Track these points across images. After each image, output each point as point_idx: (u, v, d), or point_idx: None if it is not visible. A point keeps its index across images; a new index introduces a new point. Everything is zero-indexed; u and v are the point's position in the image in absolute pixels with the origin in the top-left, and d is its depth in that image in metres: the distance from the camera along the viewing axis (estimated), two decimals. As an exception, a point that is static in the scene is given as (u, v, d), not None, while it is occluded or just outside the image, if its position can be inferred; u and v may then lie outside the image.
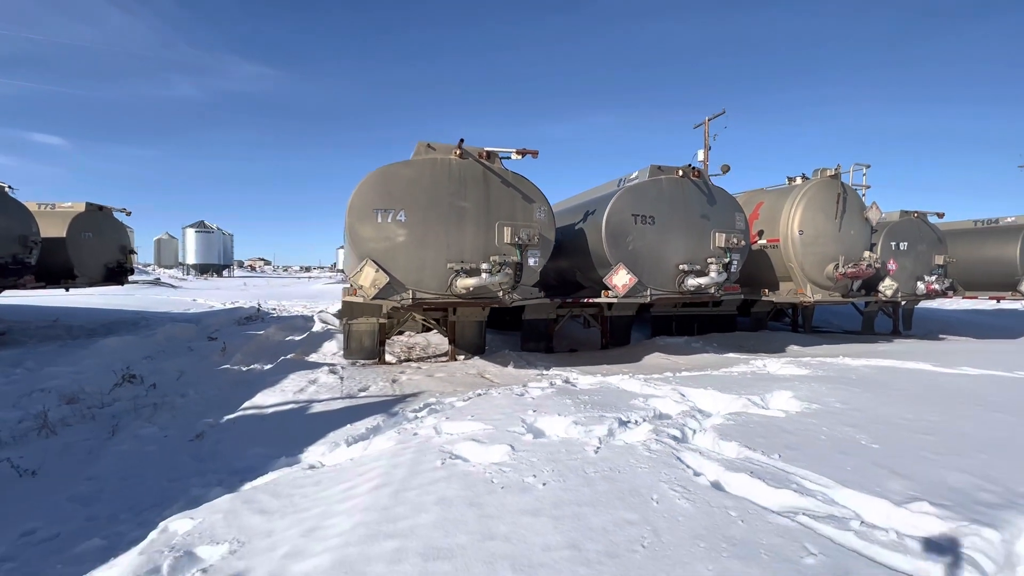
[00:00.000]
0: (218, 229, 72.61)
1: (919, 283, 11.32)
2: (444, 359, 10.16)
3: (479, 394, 5.77)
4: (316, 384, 7.05)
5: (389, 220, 6.10)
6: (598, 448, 3.51)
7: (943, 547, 2.30)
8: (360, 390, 6.95)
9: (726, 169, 7.74)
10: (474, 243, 6.43)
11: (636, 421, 4.16)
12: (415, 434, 4.21)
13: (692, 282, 7.55)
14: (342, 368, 8.15)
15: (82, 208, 11.79)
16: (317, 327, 13.09)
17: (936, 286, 11.19)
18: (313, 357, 9.87)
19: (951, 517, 2.54)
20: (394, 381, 7.51)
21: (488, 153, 6.42)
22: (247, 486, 3.82)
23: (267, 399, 6.42)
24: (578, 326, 13.45)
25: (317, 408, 5.99)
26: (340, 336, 11.52)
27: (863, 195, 11.13)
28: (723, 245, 7.75)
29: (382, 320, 9.34)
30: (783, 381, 5.77)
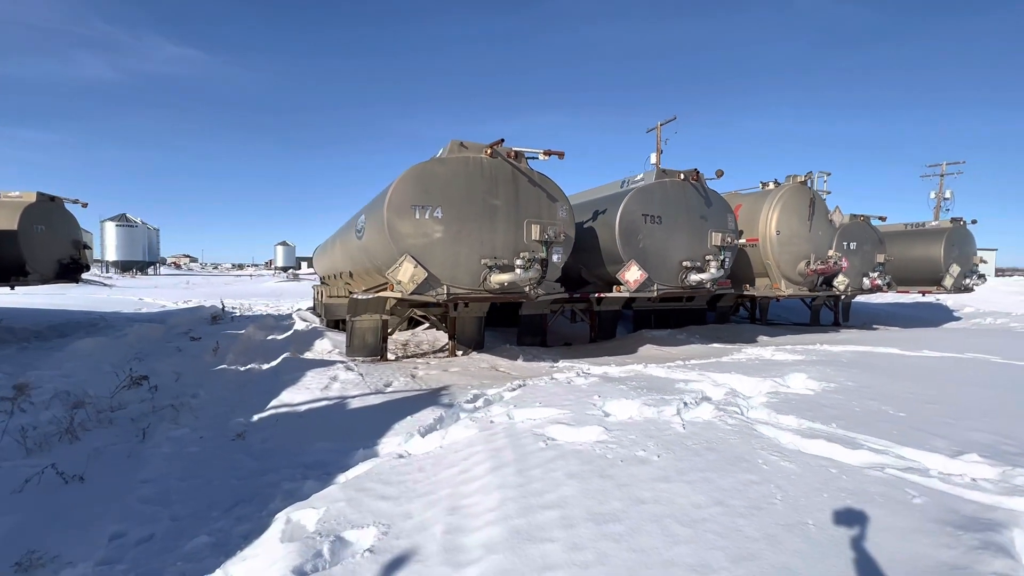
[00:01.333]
0: (142, 223, 67.12)
1: (865, 279, 12.70)
2: (443, 354, 10.25)
3: (520, 386, 6.00)
4: (339, 381, 6.98)
5: (427, 216, 6.19)
6: (684, 424, 3.88)
7: (1005, 484, 2.86)
8: (385, 385, 6.96)
9: (720, 174, 8.39)
10: (505, 240, 6.63)
11: (694, 402, 4.58)
12: (491, 422, 4.40)
13: (694, 277, 8.15)
14: (356, 365, 8.06)
15: (33, 198, 10.74)
16: (300, 325, 12.68)
17: (879, 282, 12.60)
18: (309, 355, 9.64)
19: (996, 463, 3.13)
20: (413, 376, 7.56)
21: (516, 153, 6.65)
22: (342, 478, 3.86)
23: (295, 397, 6.31)
24: (565, 321, 13.91)
25: (355, 404, 5.98)
26: (331, 334, 11.28)
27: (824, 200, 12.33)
28: (719, 243, 8.42)
29: (385, 317, 9.29)
30: (788, 366, 6.44)
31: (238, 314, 16.28)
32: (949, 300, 19.61)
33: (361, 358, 9.30)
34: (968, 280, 14.06)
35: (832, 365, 6.37)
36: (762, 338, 11.59)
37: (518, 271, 6.42)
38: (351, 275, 10.40)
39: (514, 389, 5.76)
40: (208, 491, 4.05)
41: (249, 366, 8.54)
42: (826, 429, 3.80)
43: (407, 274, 6.03)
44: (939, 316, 17.21)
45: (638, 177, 8.41)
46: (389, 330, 9.59)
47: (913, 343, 8.35)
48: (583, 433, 3.83)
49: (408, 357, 9.91)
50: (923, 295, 16.37)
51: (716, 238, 8.41)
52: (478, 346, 10.32)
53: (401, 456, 4.06)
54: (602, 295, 8.48)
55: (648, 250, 7.88)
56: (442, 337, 12.06)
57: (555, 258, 6.97)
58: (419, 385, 6.94)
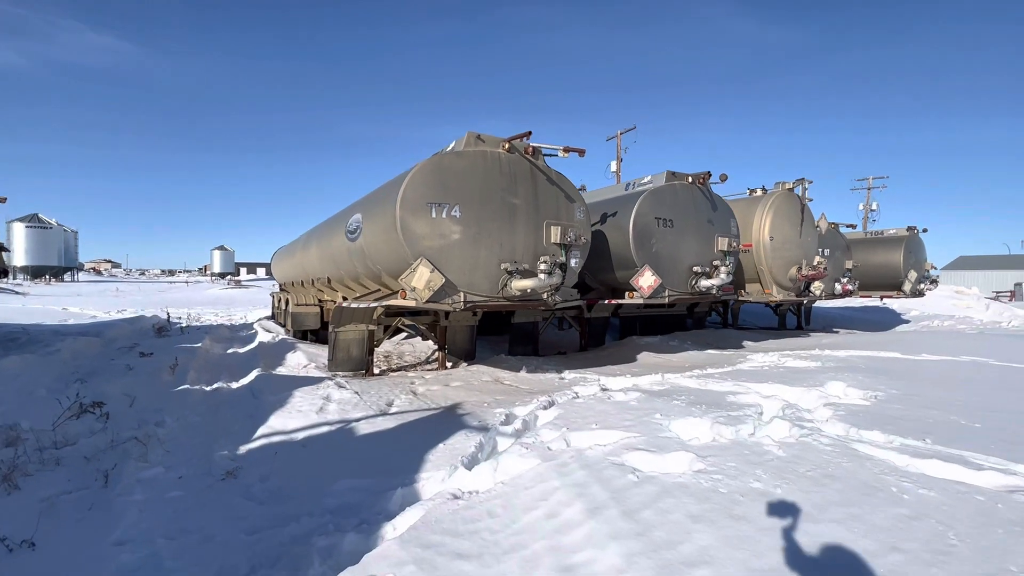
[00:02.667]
0: (57, 224, 60.87)
1: (836, 284, 13.13)
2: (432, 366, 9.52)
3: (550, 403, 5.46)
4: (333, 402, 6.14)
5: (443, 216, 5.54)
6: (778, 445, 3.49)
7: None
8: (388, 405, 6.20)
9: (724, 178, 8.27)
10: (525, 242, 6.09)
11: (759, 416, 4.22)
12: (549, 448, 3.84)
13: (705, 283, 7.93)
14: (347, 382, 7.20)
15: (-64, 191, 9.02)
16: (264, 337, 11.47)
17: (850, 287, 13.07)
18: (282, 371, 8.64)
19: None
20: (414, 393, 6.83)
21: (534, 149, 6.14)
22: (391, 528, 3.16)
23: (288, 422, 5.45)
24: (552, 329, 13.47)
25: (363, 428, 5.22)
26: (303, 347, 10.23)
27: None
28: (725, 248, 8.26)
29: (371, 327, 8.46)
30: (815, 373, 6.28)
31: (186, 325, 14.66)
32: (894, 304, 20.91)
33: (344, 373, 8.42)
34: (922, 285, 14.92)
35: (858, 372, 6.28)
36: (747, 343, 11.66)
37: (541, 276, 5.89)
38: (329, 281, 9.47)
39: (547, 407, 5.21)
40: (211, 553, 3.23)
41: (216, 385, 7.47)
42: (925, 446, 3.53)
43: (423, 280, 5.35)
44: (890, 319, 18.24)
45: (645, 179, 8.13)
46: (376, 341, 8.76)
47: (904, 346, 8.54)
48: (671, 461, 3.36)
49: (395, 370, 9.11)
50: (882, 300, 17.30)
51: (722, 243, 8.25)
52: (469, 356, 9.68)
53: (456, 496, 3.41)
54: (613, 301, 8.09)
55: (661, 254, 7.58)
56: (425, 347, 11.30)
57: (573, 263, 6.50)
58: (426, 403, 6.24)
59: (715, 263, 8.09)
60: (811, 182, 10.88)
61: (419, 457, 4.18)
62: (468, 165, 5.72)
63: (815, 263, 10.15)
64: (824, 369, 6.64)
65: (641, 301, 7.40)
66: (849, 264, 13.62)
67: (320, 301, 12.09)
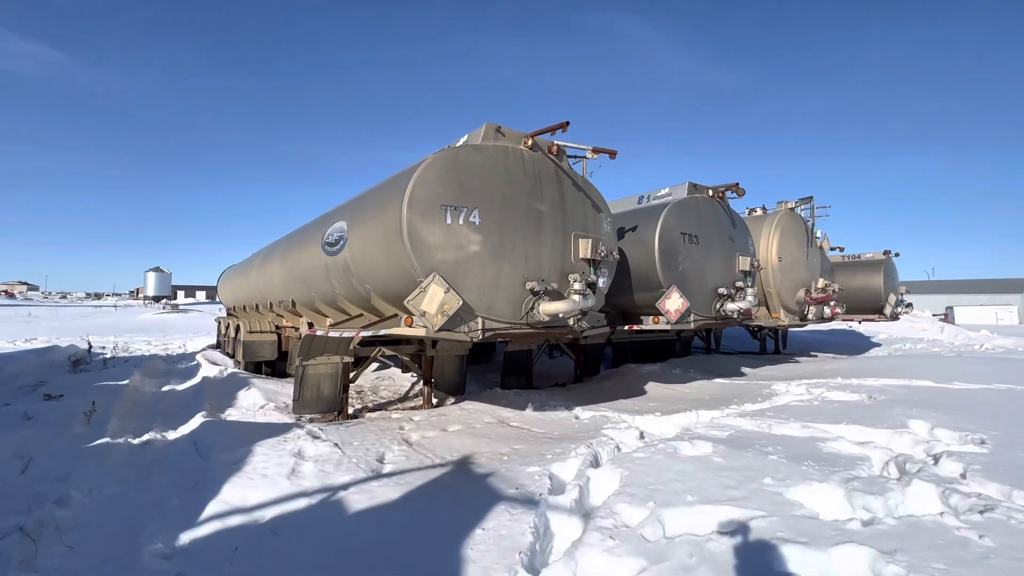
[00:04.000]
0: (-38, 242, 54.54)
1: (825, 308, 12.88)
2: (415, 403, 8.20)
3: (595, 456, 4.35)
4: (308, 460, 4.77)
5: (460, 222, 4.43)
6: (970, 527, 2.55)
7: None
8: (379, 460, 4.90)
9: (742, 192, 7.64)
10: (552, 257, 5.07)
11: (887, 477, 3.31)
12: (644, 538, 2.74)
13: (731, 306, 7.18)
14: (321, 429, 5.80)
15: None
16: (209, 370, 9.70)
17: (838, 310, 12.84)
18: (233, 414, 7.09)
19: None
20: (408, 442, 5.54)
21: (558, 149, 5.19)
22: None
23: (249, 493, 4.06)
24: (543, 357, 12.38)
25: (356, 502, 3.91)
26: (257, 382, 8.63)
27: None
28: (747, 268, 7.58)
29: (347, 359, 7.10)
30: (879, 409, 5.55)
31: (110, 356, 12.49)
32: (860, 328, 21.31)
33: (314, 415, 6.98)
34: (899, 308, 15.03)
35: (919, 406, 5.58)
36: (746, 369, 11.05)
37: (576, 298, 4.86)
38: (293, 305, 8.03)
39: (594, 464, 4.11)
40: None
41: (147, 436, 5.87)
42: None
43: (435, 302, 4.19)
44: (862, 343, 18.41)
45: (662, 192, 7.36)
46: (351, 376, 7.38)
47: (925, 373, 8.04)
48: (843, 558, 2.34)
49: (372, 409, 7.73)
50: (860, 323, 17.41)
51: (744, 262, 7.57)
52: (458, 390, 8.44)
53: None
54: (634, 327, 7.15)
55: (687, 274, 6.76)
56: (405, 379, 9.92)
57: (601, 282, 5.53)
58: (428, 457, 4.97)
59: (738, 284, 7.35)
60: (811, 198, 10.54)
61: (452, 553, 2.96)
62: (488, 162, 4.68)
63: (822, 285, 9.69)
64: (881, 404, 5.91)
65: (668, 327, 6.50)
66: (835, 287, 13.47)
67: (278, 328, 10.51)
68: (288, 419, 7.06)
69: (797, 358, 14.03)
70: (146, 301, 70.82)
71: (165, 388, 8.99)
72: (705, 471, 3.48)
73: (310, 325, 8.51)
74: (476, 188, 4.54)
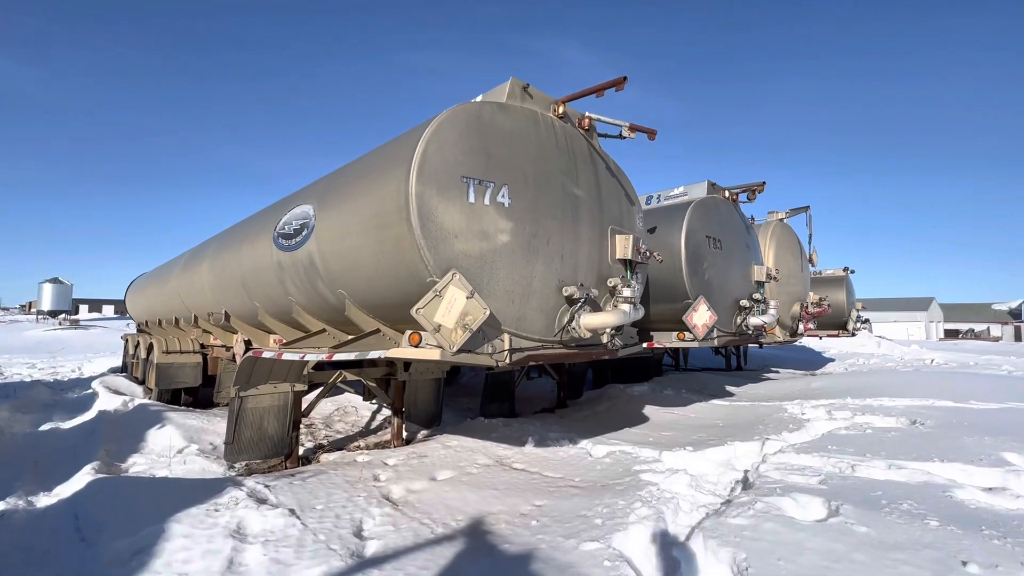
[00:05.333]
0: None
1: (800, 324, 12.69)
2: (382, 436, 6.74)
3: (659, 519, 3.23)
4: (254, 542, 3.29)
5: (486, 201, 3.23)
6: None
7: None
8: (357, 535, 3.50)
9: (753, 197, 6.97)
10: (589, 256, 3.97)
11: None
12: None
13: (754, 321, 6.41)
14: (264, 482, 4.25)
15: None
16: (109, 401, 7.63)
17: (811, 325, 12.69)
18: (139, 465, 5.36)
19: None
20: (390, 500, 4.15)
21: (590, 122, 4.14)
22: None
23: (159, 614, 2.55)
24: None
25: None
26: (175, 416, 6.78)
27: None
28: (762, 279, 6.89)
29: (298, 388, 5.59)
30: (947, 439, 4.84)
31: (-26, 383, 9.87)
32: (813, 344, 21.87)
33: (255, 461, 5.37)
34: (857, 324, 15.27)
35: (989, 433, 4.95)
36: (728, 387, 10.47)
37: (626, 308, 3.79)
38: (227, 318, 6.38)
39: (674, 535, 2.98)
40: None
41: (2, 506, 4.07)
42: None
43: (454, 311, 2.94)
44: (817, 359, 18.71)
45: (676, 191, 6.51)
46: (305, 408, 5.84)
47: (928, 391, 7.64)
48: None
49: (327, 448, 6.20)
50: (820, 338, 17.64)
51: (759, 272, 6.86)
52: (434, 421, 7.09)
53: None
54: (656, 345, 6.16)
55: (712, 283, 5.89)
56: (360, 404, 8.35)
57: (637, 289, 4.48)
58: (426, 526, 3.63)
59: (755, 296, 6.60)
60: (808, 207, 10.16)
61: None
62: (517, 127, 3.52)
63: (816, 300, 9.27)
64: (937, 430, 5.24)
65: (696, 344, 5.56)
66: (828, 302, 13.37)
67: (203, 347, 8.63)
68: (218, 468, 5.40)
69: (765, 375, 13.76)
70: (40, 316, 62.27)
71: (44, 427, 6.91)
72: (864, 553, 2.45)
73: (247, 343, 6.86)
74: (504, 159, 3.36)
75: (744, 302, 6.38)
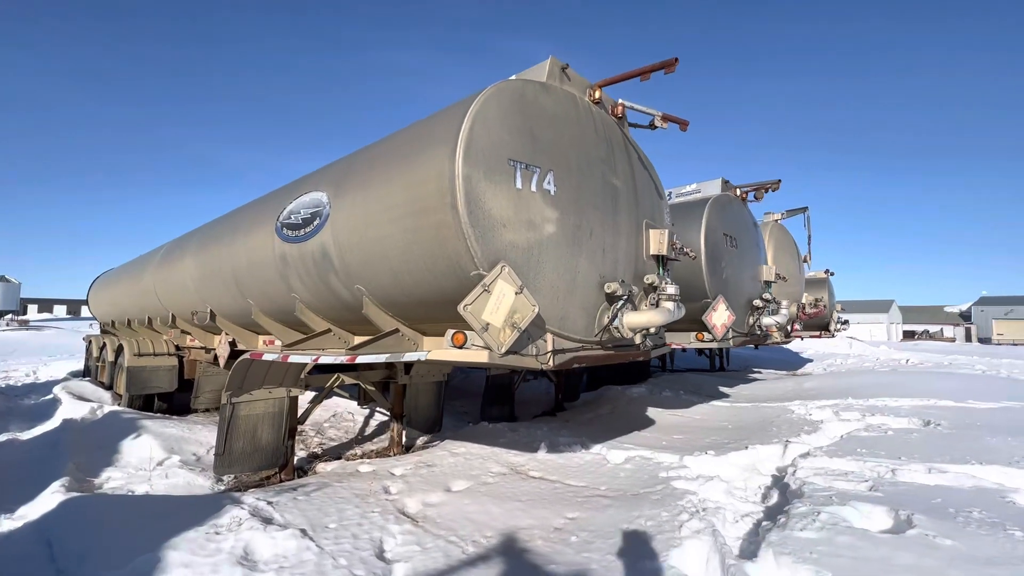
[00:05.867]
0: None
1: (793, 324, 12.83)
2: (378, 443, 6.36)
3: (714, 533, 3.00)
4: (268, 573, 2.90)
5: (533, 188, 2.95)
6: None
7: None
8: (378, 556, 3.16)
9: (763, 194, 6.91)
10: (627, 250, 3.72)
11: None
12: None
13: (767, 321, 6.32)
14: (265, 499, 3.84)
15: None
16: (74, 409, 6.94)
17: (798, 326, 12.85)
18: (116, 480, 4.85)
19: None
20: (407, 516, 3.81)
21: (624, 109, 3.91)
22: None
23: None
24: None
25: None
26: (151, 424, 6.21)
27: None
28: (771, 279, 6.82)
29: (294, 392, 5.17)
30: (966, 438, 4.82)
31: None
32: (790, 345, 22.33)
33: (247, 473, 4.93)
34: (838, 326, 15.60)
35: (1010, 433, 4.94)
36: (724, 389, 10.47)
37: (671, 306, 3.56)
38: (212, 317, 5.88)
39: (731, 549, 2.75)
40: None
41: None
42: None
43: (502, 309, 2.65)
44: (796, 359, 19.08)
45: (688, 188, 6.36)
46: (301, 415, 5.41)
47: (924, 390, 7.74)
48: None
49: (322, 457, 5.79)
50: (802, 339, 17.95)
51: (768, 272, 6.80)
52: (435, 426, 6.74)
53: None
54: (676, 345, 5.97)
55: (729, 282, 5.75)
56: (350, 407, 7.90)
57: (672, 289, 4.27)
58: (454, 544, 3.31)
59: (765, 297, 6.52)
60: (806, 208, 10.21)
61: None
62: (559, 109, 3.25)
63: (812, 300, 9.32)
64: (958, 431, 5.21)
65: (716, 345, 5.41)
66: (825, 303, 13.54)
67: (179, 349, 8.03)
68: (204, 481, 4.94)
69: (751, 375, 13.89)
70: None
71: (0, 438, 6.22)
72: (960, 569, 2.27)
73: (232, 344, 6.36)
74: (549, 143, 3.08)
75: (757, 302, 6.29)
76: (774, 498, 3.93)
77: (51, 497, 4.02)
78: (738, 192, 6.57)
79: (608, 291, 3.38)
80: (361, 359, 3.12)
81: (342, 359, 3.16)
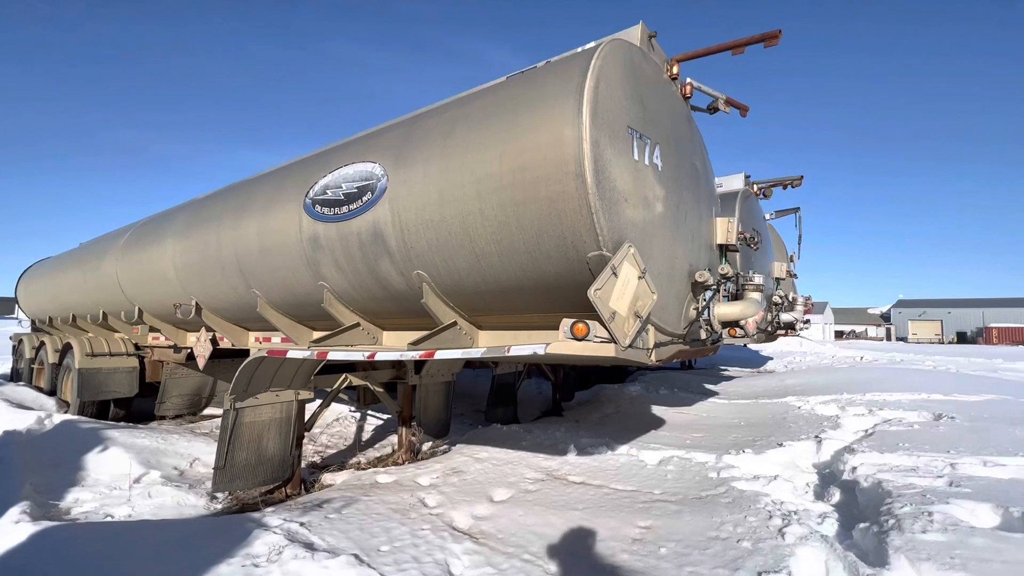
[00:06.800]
0: None
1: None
2: (380, 448, 5.83)
3: (854, 551, 2.80)
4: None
5: (646, 160, 2.63)
6: None
7: None
8: (454, 584, 2.72)
9: (771, 191, 6.96)
10: (705, 238, 3.49)
11: None
12: None
13: (786, 317, 6.31)
14: (301, 524, 3.28)
15: None
16: (15, 420, 5.84)
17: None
18: (86, 503, 4.15)
19: None
20: (462, 532, 3.39)
21: (691, 90, 3.68)
22: None
23: None
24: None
25: None
26: (117, 435, 5.36)
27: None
28: (783, 276, 6.86)
29: (303, 395, 4.59)
30: (989, 430, 4.93)
31: None
32: (746, 343, 23.21)
33: (249, 487, 4.29)
34: (802, 325, 16.28)
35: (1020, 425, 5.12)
36: (709, 386, 10.64)
37: (757, 296, 3.36)
38: (196, 310, 5.14)
39: (882, 563, 2.56)
40: None
41: None
42: None
43: (628, 295, 2.32)
44: (757, 357, 19.83)
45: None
46: (308, 420, 4.81)
47: (904, 385, 8.13)
48: None
49: (330, 468, 5.21)
50: (784, 336, 18.54)
51: (779, 268, 6.83)
52: (443, 431, 6.28)
53: None
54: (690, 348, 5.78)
55: (755, 278, 5.66)
56: (344, 412, 7.23)
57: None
58: (535, 566, 2.94)
59: (780, 293, 6.53)
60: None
61: None
62: (655, 78, 2.95)
63: (800, 301, 9.55)
64: (975, 423, 5.35)
65: (746, 341, 5.29)
66: (811, 302, 13.96)
67: (139, 348, 7.10)
68: (195, 499, 4.27)
69: (722, 373, 14.25)
70: None
71: (-79, 456, 5.15)
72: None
73: (213, 342, 5.63)
74: (655, 113, 2.77)
75: (776, 298, 6.28)
76: (836, 496, 3.83)
77: (14, 529, 3.27)
78: (755, 188, 6.56)
79: (699, 280, 3.12)
80: (441, 355, 2.67)
81: (416, 354, 2.70)
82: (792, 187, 6.75)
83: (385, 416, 7.43)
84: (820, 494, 4.01)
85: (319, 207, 3.40)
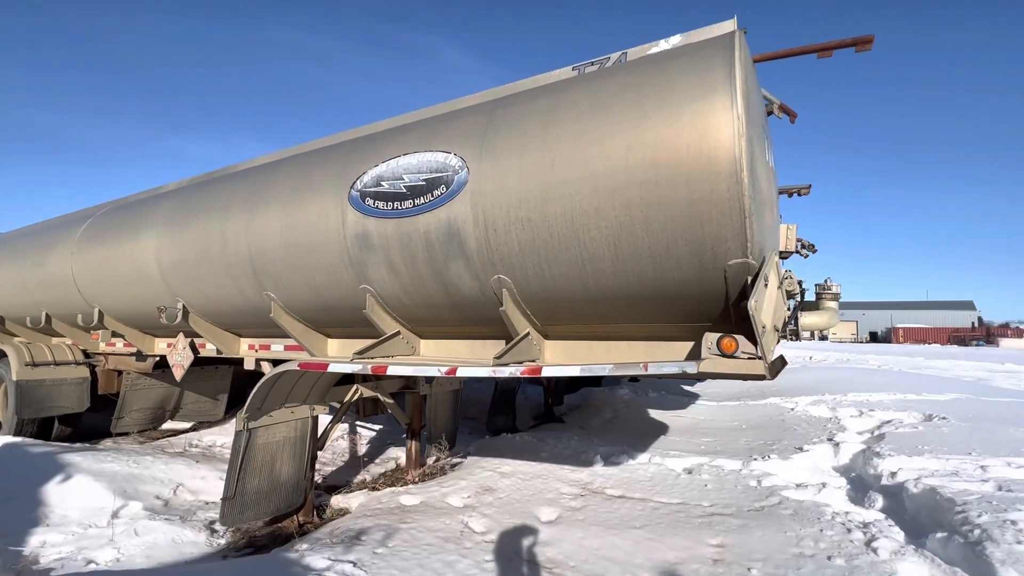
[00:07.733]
0: None
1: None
2: (383, 463, 5.40)
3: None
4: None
5: (769, 161, 2.48)
6: None
7: None
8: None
9: (788, 195, 7.10)
10: (775, 243, 3.40)
11: None
12: None
13: (807, 321, 6.41)
14: (349, 564, 2.85)
15: None
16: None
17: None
18: (57, 546, 3.54)
19: None
20: (528, 561, 3.07)
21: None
22: None
23: None
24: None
25: None
26: (75, 459, 4.57)
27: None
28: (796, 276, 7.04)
29: (317, 411, 4.11)
30: (991, 430, 5.23)
31: None
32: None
33: (258, 520, 3.76)
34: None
35: (1013, 425, 5.48)
36: (687, 388, 10.85)
37: (833, 305, 3.30)
38: (184, 314, 4.48)
39: None
40: None
41: None
42: None
43: (771, 307, 2.16)
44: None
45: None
46: (321, 437, 4.30)
47: (875, 385, 8.62)
48: None
49: (339, 490, 4.72)
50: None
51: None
52: (451, 442, 5.90)
53: None
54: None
55: (770, 284, 5.73)
56: (340, 428, 6.63)
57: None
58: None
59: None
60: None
61: None
62: (754, 83, 2.81)
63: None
64: (976, 425, 5.58)
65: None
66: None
67: (88, 356, 6.19)
68: (192, 535, 3.69)
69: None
70: None
71: None
72: None
73: (193, 348, 4.96)
74: (758, 113, 2.62)
75: (791, 301, 6.41)
76: (879, 502, 3.87)
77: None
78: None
79: (788, 289, 3.01)
80: (549, 372, 2.37)
81: (518, 371, 2.37)
82: (800, 195, 6.91)
83: (378, 427, 6.93)
84: (864, 499, 4.03)
85: (371, 200, 2.98)
